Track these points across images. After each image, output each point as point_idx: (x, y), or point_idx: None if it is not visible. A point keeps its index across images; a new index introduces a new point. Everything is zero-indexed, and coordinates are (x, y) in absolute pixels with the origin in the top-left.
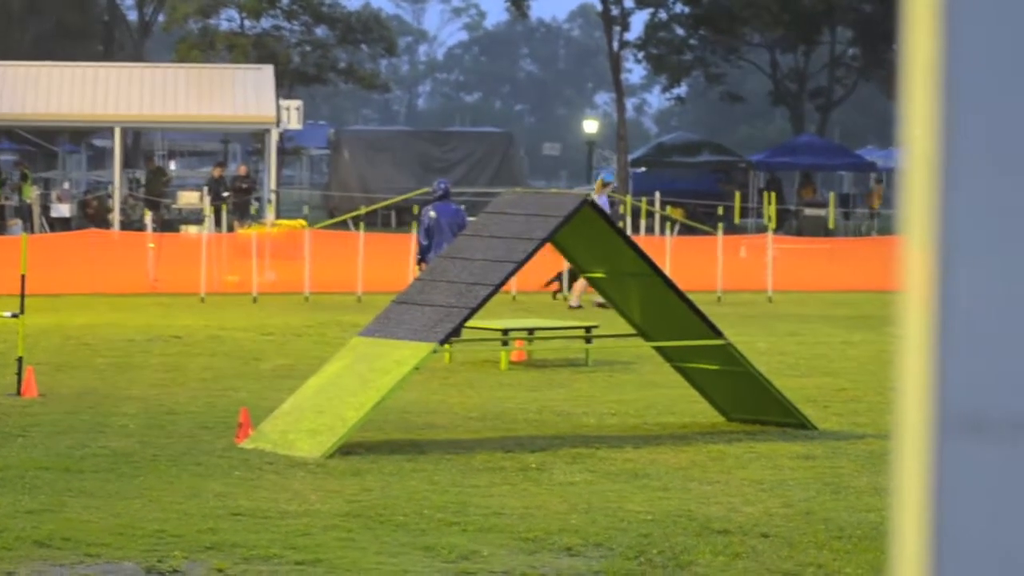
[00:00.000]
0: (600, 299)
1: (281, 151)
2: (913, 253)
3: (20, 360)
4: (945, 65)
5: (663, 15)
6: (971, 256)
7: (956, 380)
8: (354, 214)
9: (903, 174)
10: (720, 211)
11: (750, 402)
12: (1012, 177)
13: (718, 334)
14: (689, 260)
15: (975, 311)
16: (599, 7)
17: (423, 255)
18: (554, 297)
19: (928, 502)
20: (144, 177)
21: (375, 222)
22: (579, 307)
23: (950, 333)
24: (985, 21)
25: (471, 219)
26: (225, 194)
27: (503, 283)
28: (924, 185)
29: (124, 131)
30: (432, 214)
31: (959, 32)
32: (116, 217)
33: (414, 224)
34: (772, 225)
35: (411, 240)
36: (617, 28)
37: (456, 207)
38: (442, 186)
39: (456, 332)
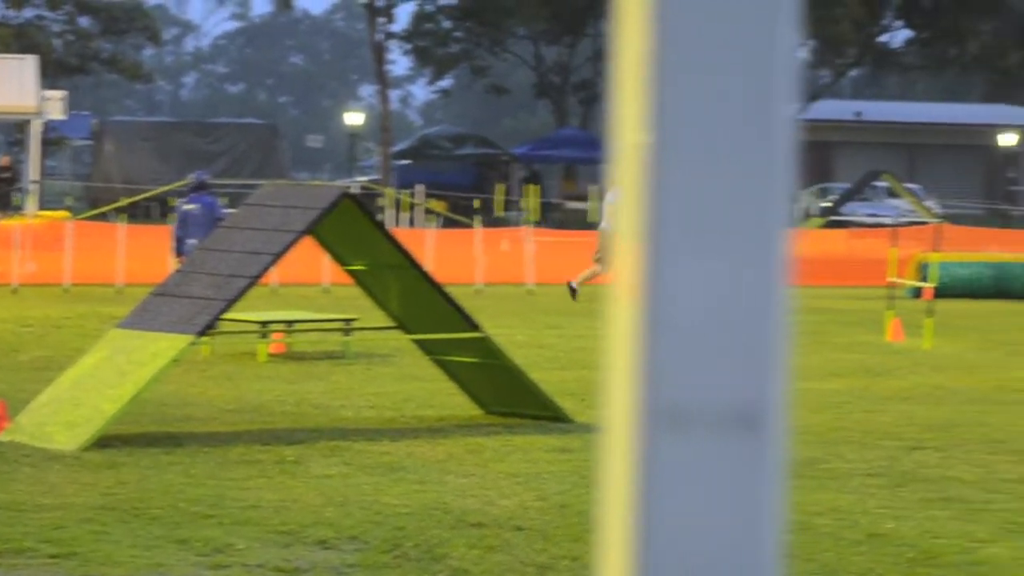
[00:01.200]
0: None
1: (44, 142)
2: (623, 247)
3: None
4: (655, 59)
5: (430, 7)
6: (680, 251)
7: (662, 374)
8: (115, 205)
9: (614, 168)
10: (477, 204)
11: (508, 395)
12: (721, 171)
13: (474, 327)
14: (451, 253)
15: (683, 306)
16: None
17: (179, 247)
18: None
19: (634, 496)
20: None
21: (136, 214)
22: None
23: (658, 327)
24: (696, 15)
25: (233, 211)
26: None
27: (261, 275)
28: (634, 179)
29: None
30: (187, 206)
31: (669, 27)
32: None
33: (174, 216)
34: (533, 218)
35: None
36: (382, 19)
37: (212, 199)
38: (200, 177)
39: (213, 324)
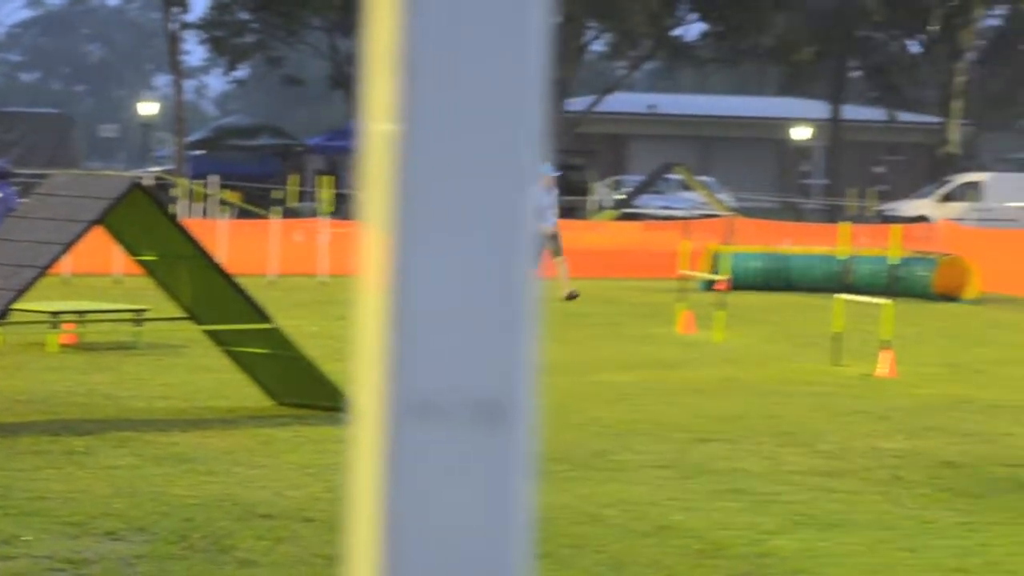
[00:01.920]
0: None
1: None
2: (371, 236)
3: None
4: (403, 47)
5: None
6: (426, 242)
7: (409, 365)
8: None
9: (362, 157)
10: (277, 195)
11: (299, 386)
12: (468, 162)
13: (265, 318)
14: (246, 244)
15: (429, 297)
16: None
17: None
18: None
19: (381, 489)
20: None
21: None
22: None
23: (404, 319)
24: (445, 3)
25: (25, 201)
26: None
27: (50, 265)
28: (381, 168)
29: None
30: None
31: (418, 15)
32: None
33: None
34: (327, 209)
35: None
36: (177, 9)
37: (10, 189)
38: (2, 166)
39: (4, 314)
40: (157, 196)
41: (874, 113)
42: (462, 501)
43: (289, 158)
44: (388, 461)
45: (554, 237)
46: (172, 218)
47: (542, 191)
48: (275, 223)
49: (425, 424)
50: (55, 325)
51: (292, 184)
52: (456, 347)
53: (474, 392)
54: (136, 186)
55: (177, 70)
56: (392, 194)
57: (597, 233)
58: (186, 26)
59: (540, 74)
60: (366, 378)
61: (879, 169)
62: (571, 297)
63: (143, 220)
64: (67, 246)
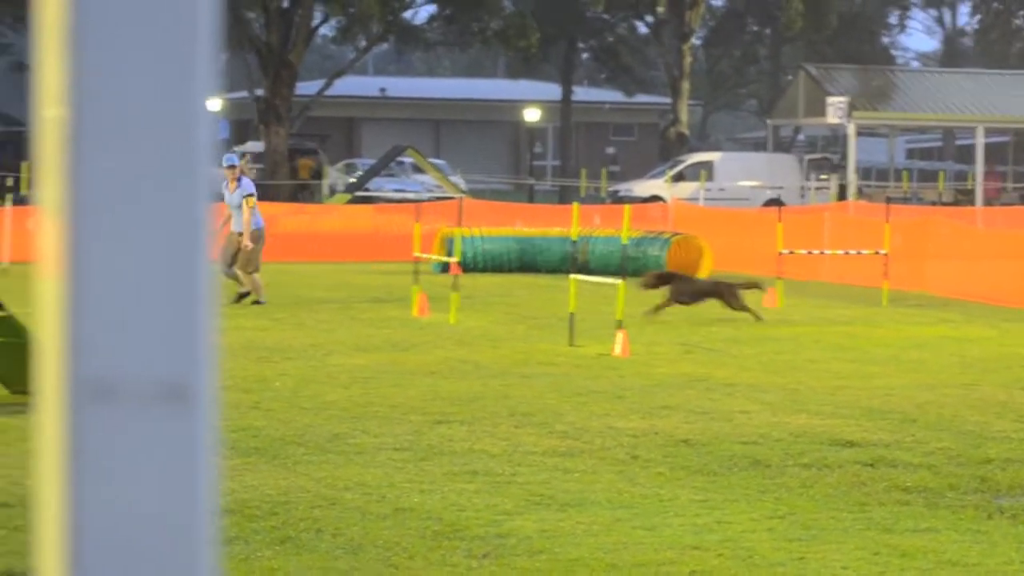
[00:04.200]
0: None
1: None
2: (46, 222)
3: None
4: (72, 32)
5: None
6: (101, 225)
7: (88, 348)
8: None
9: (38, 143)
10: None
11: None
12: (141, 146)
13: None
14: None
15: (106, 280)
16: None
17: None
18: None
19: (64, 473)
20: None
21: None
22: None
23: (81, 302)
24: None
25: None
26: None
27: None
28: (53, 153)
29: None
30: None
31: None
32: None
33: None
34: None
35: None
36: None
37: None
38: None
39: None
40: None
41: (605, 95)
42: (145, 482)
43: (21, 145)
44: (69, 444)
45: (257, 242)
46: None
47: (231, 187)
48: (7, 210)
49: (105, 406)
50: None
51: (25, 171)
52: (135, 329)
53: (155, 374)
54: None
55: None
56: (64, 179)
57: (330, 217)
58: None
59: (209, 55)
60: (47, 362)
61: (610, 150)
62: (243, 296)
63: None
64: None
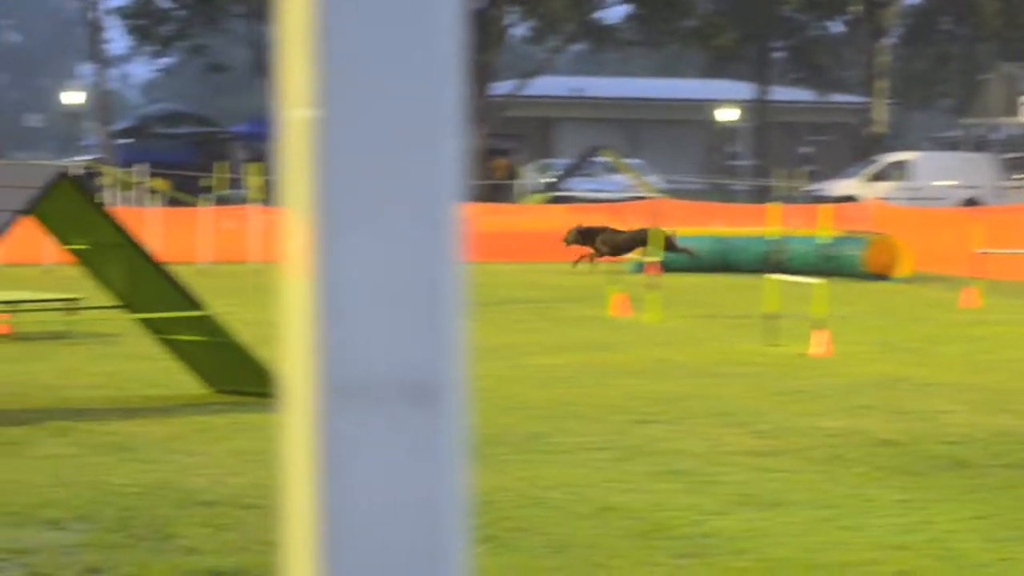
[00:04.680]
0: None
1: None
2: (294, 219)
3: None
4: (320, 30)
5: None
6: (350, 226)
7: (337, 349)
8: None
9: (281, 142)
10: (213, 182)
11: (235, 374)
12: (389, 146)
13: (197, 305)
14: (176, 232)
15: (355, 281)
16: None
17: None
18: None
19: (315, 473)
20: None
21: None
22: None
23: (331, 303)
24: None
25: None
26: None
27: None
28: (301, 154)
29: None
30: None
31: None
32: None
33: None
34: (256, 196)
35: None
36: None
37: None
38: None
39: None
40: (85, 185)
41: (799, 94)
42: (394, 482)
43: (215, 146)
44: (319, 444)
45: None
46: (101, 207)
47: None
48: (204, 210)
49: (355, 406)
50: None
51: (220, 171)
52: (383, 330)
53: (403, 374)
54: (64, 175)
55: (99, 59)
56: (313, 180)
57: (526, 217)
58: (108, 13)
59: (455, 55)
60: (295, 363)
61: (806, 149)
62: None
63: (72, 209)
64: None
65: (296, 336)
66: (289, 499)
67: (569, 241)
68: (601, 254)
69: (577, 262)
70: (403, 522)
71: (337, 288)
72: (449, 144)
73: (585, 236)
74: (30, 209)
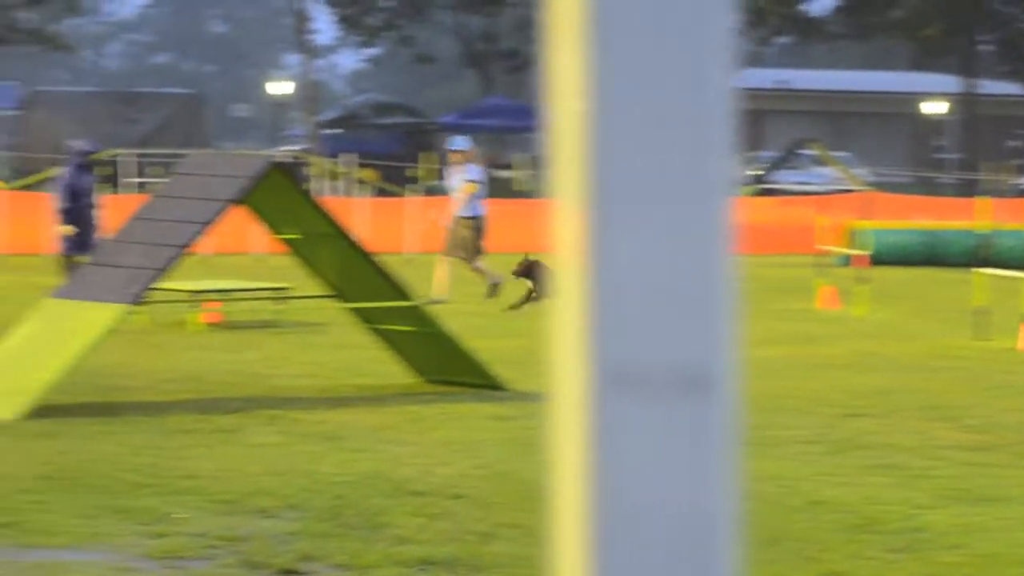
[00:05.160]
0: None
1: None
2: (565, 208)
3: None
4: (592, 23)
5: None
6: (622, 217)
7: (610, 338)
8: (44, 176)
9: (551, 131)
10: (420, 173)
11: (444, 363)
12: (661, 136)
13: (406, 295)
14: (383, 222)
15: (628, 270)
16: None
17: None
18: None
19: (585, 462)
20: None
21: None
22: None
23: (603, 292)
24: None
25: (164, 181)
26: None
27: (189, 244)
28: (573, 146)
29: None
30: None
31: None
32: None
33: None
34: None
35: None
36: None
37: (89, 176)
38: (88, 148)
39: (146, 293)
40: (295, 175)
41: (1007, 87)
42: (666, 472)
43: (422, 137)
44: (590, 433)
45: (476, 231)
46: (311, 197)
47: (456, 171)
48: (411, 201)
49: (627, 395)
50: (198, 304)
51: (427, 162)
52: (656, 318)
53: (676, 363)
54: (274, 165)
55: (306, 49)
56: (585, 171)
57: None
58: (316, 3)
59: (727, 48)
60: (566, 351)
61: (1014, 143)
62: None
63: (282, 199)
64: (205, 225)
65: (568, 326)
66: (558, 490)
67: (516, 274)
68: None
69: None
70: (674, 514)
71: (609, 278)
72: (720, 133)
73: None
74: (241, 198)
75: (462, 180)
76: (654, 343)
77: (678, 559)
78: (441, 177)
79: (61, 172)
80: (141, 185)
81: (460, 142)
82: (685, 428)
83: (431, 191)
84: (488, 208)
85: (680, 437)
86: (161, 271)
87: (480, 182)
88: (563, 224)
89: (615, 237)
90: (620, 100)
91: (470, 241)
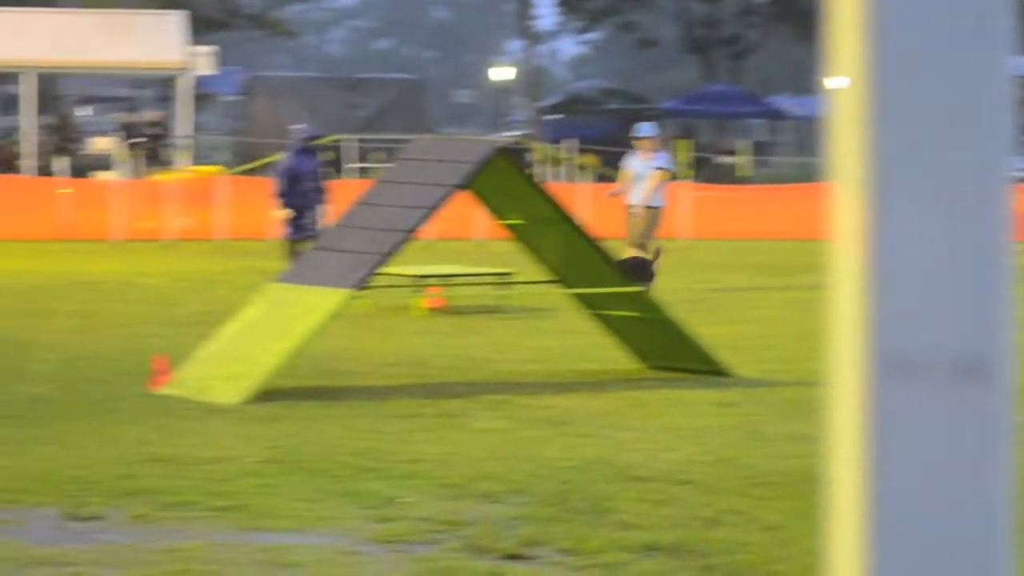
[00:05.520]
0: None
1: (194, 97)
2: (844, 195)
3: None
4: (874, 8)
5: None
6: (903, 202)
7: (890, 324)
8: (266, 160)
9: (831, 117)
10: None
11: (667, 349)
12: (942, 121)
13: (631, 281)
14: (605, 207)
15: (908, 256)
16: None
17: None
18: None
19: (863, 448)
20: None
21: None
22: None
23: (883, 278)
24: None
25: (388, 165)
26: (137, 140)
27: (415, 229)
28: (854, 126)
29: (34, 76)
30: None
31: None
32: (28, 163)
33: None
34: (686, 172)
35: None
36: None
37: (314, 160)
38: (310, 132)
39: (370, 278)
40: (520, 160)
41: None
42: (943, 459)
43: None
44: (868, 419)
45: (655, 220)
46: (536, 182)
47: (642, 157)
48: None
49: (905, 382)
50: (422, 288)
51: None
52: (934, 305)
53: (954, 350)
54: (499, 150)
55: (528, 35)
56: (865, 154)
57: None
58: None
59: (1006, 32)
60: (843, 338)
61: None
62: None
63: (507, 184)
64: (431, 210)
65: (846, 313)
66: (835, 475)
67: None
68: None
69: None
70: (952, 501)
71: (888, 265)
72: (999, 120)
73: None
74: (466, 183)
75: (650, 167)
76: (932, 330)
77: (954, 549)
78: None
79: (282, 157)
80: (363, 170)
81: (647, 129)
82: (962, 416)
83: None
84: (712, 194)
85: (957, 425)
86: (386, 256)
87: (671, 170)
88: (842, 211)
89: (894, 224)
90: (900, 87)
91: (650, 230)
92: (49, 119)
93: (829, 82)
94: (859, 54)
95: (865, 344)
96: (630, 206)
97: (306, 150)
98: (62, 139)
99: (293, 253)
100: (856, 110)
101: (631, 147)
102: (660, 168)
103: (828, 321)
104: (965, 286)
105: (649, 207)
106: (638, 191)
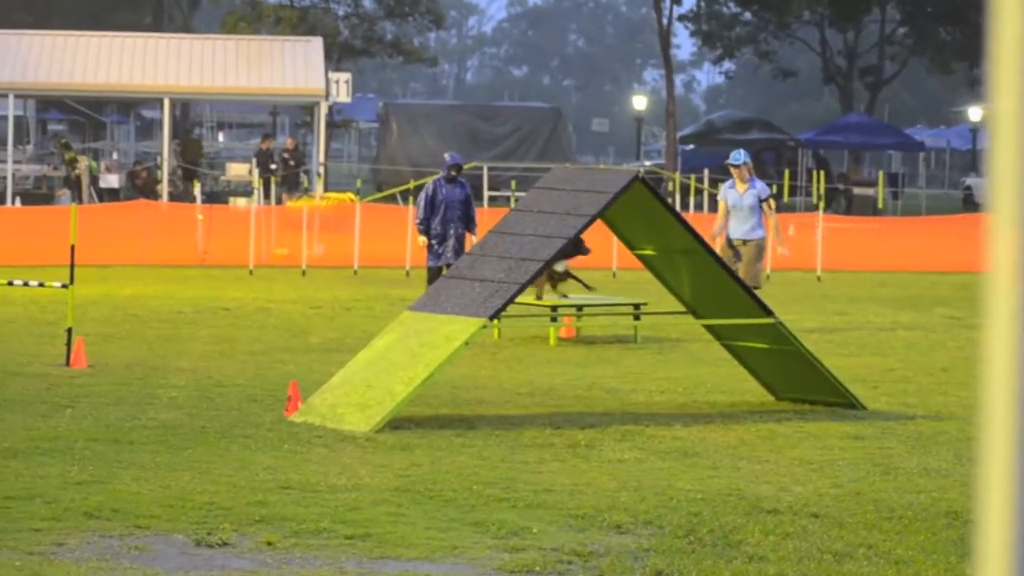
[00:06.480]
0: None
1: (330, 124)
2: (1002, 227)
3: (70, 331)
4: None
5: None
6: None
7: None
8: (402, 188)
9: (990, 152)
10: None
11: (799, 381)
12: None
13: (768, 312)
14: None
15: None
16: None
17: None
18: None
19: (1018, 486)
20: (181, 147)
21: None
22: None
23: None
24: None
25: (521, 194)
26: (273, 166)
27: (553, 259)
28: (1013, 162)
29: (172, 102)
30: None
31: None
32: (164, 188)
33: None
34: (821, 204)
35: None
36: (668, 3)
37: (459, 189)
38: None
39: (506, 308)
40: (658, 189)
41: None
42: None
43: (781, 153)
44: (1017, 459)
45: (761, 252)
46: (673, 211)
47: (739, 188)
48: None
49: None
50: (555, 319)
51: (785, 179)
52: None
53: None
54: (638, 180)
55: (669, 64)
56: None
57: None
58: (678, 19)
59: None
60: (999, 374)
61: None
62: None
63: (643, 213)
64: (569, 240)
65: (1001, 347)
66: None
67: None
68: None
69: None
70: None
71: None
72: None
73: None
74: (603, 213)
75: (749, 197)
76: None
77: None
78: (796, 193)
79: (426, 185)
80: (492, 199)
81: (740, 155)
82: None
83: (789, 207)
84: (854, 226)
85: None
86: (524, 286)
87: (774, 196)
88: (999, 244)
89: None
90: None
91: (759, 266)
92: (184, 144)
93: (978, 113)
94: (1020, 81)
95: (1022, 380)
96: (731, 239)
97: (452, 178)
98: (195, 165)
99: (430, 281)
100: (1019, 146)
101: (767, 177)
102: (768, 197)
103: (981, 356)
104: None
105: (753, 240)
106: (739, 225)
